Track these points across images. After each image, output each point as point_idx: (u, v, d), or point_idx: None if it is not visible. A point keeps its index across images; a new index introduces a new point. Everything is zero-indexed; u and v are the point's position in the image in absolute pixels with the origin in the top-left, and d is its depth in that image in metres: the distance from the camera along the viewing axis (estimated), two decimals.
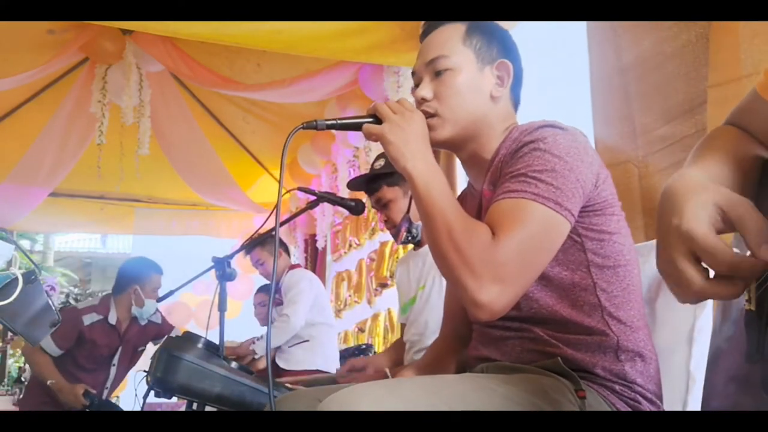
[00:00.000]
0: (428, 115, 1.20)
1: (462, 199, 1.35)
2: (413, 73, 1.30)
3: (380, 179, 2.07)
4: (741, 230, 0.65)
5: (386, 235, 4.16)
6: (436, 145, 1.22)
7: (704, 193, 0.69)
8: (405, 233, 2.08)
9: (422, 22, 1.33)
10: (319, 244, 5.15)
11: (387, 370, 1.96)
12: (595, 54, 2.31)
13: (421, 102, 1.23)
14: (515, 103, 1.30)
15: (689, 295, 0.67)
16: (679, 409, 1.19)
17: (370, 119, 1.15)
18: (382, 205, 2.12)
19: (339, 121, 1.18)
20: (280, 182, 1.21)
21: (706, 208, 0.67)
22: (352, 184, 2.18)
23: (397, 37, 3.19)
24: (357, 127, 1.16)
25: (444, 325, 1.46)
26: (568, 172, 1.06)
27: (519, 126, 1.21)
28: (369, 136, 1.13)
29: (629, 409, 1.10)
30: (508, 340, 1.19)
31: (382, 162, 2.10)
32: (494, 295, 0.98)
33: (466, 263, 0.99)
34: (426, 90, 1.23)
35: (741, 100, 0.89)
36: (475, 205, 1.26)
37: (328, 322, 3.60)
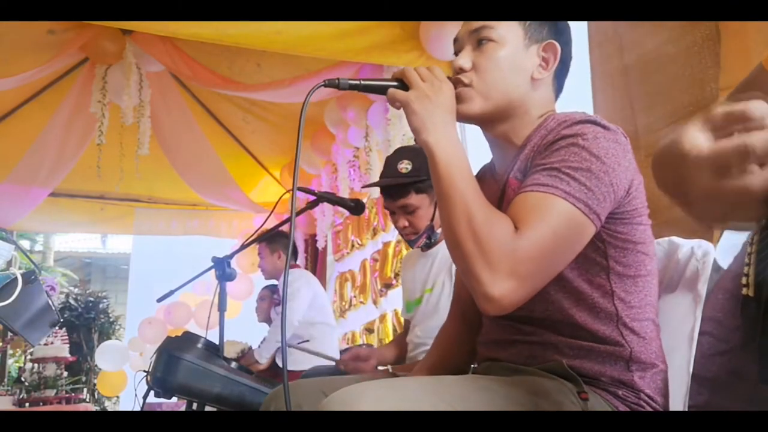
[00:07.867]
0: (462, 85, 1.13)
1: (480, 178, 1.26)
2: (455, 41, 1.21)
3: (409, 185, 1.92)
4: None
5: (388, 236, 4.15)
6: (464, 119, 1.15)
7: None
8: (425, 240, 2.01)
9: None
10: (319, 244, 5.15)
11: (389, 368, 1.94)
12: (596, 53, 2.31)
13: (458, 71, 1.15)
14: (557, 90, 1.22)
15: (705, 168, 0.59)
16: (679, 409, 1.18)
17: (396, 83, 1.08)
18: (407, 212, 1.96)
19: (363, 82, 1.12)
20: (297, 149, 1.12)
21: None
22: (373, 187, 2.02)
23: (397, 37, 3.19)
24: (382, 90, 1.09)
25: (452, 306, 1.43)
26: (604, 175, 1.01)
27: (556, 115, 1.13)
28: (393, 102, 1.07)
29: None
30: (517, 344, 1.16)
31: (409, 166, 1.93)
32: (507, 290, 0.94)
33: (483, 254, 0.94)
34: (465, 59, 1.15)
35: (746, 77, 0.88)
36: (497, 189, 1.18)
37: (328, 322, 3.61)
